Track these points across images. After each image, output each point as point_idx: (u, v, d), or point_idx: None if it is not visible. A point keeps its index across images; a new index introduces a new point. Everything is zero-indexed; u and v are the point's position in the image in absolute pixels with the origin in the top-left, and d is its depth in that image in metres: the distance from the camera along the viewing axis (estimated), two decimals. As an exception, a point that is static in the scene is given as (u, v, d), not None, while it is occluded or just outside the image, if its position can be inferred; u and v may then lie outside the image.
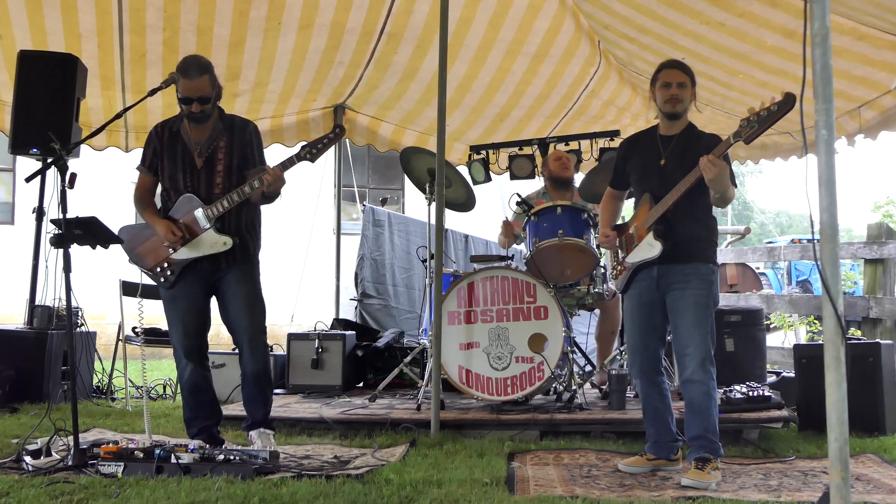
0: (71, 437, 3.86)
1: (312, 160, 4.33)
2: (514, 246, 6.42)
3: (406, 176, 6.27)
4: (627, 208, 4.66)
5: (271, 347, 7.05)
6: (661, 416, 4.08)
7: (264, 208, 4.57)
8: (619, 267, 4.18)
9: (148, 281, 4.49)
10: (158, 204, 4.54)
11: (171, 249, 4.35)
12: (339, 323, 7.47)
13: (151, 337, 6.84)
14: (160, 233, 4.33)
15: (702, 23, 5.51)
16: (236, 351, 4.58)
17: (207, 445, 4.01)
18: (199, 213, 4.31)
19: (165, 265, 4.38)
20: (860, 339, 5.63)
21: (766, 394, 4.88)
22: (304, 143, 4.36)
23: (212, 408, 4.56)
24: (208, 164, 4.37)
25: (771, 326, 10.09)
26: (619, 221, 4.36)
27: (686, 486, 3.65)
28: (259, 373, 4.45)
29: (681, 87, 3.95)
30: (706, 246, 4.02)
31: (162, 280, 4.41)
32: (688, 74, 3.98)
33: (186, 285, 4.40)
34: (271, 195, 4.35)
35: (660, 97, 4.00)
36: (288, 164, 4.26)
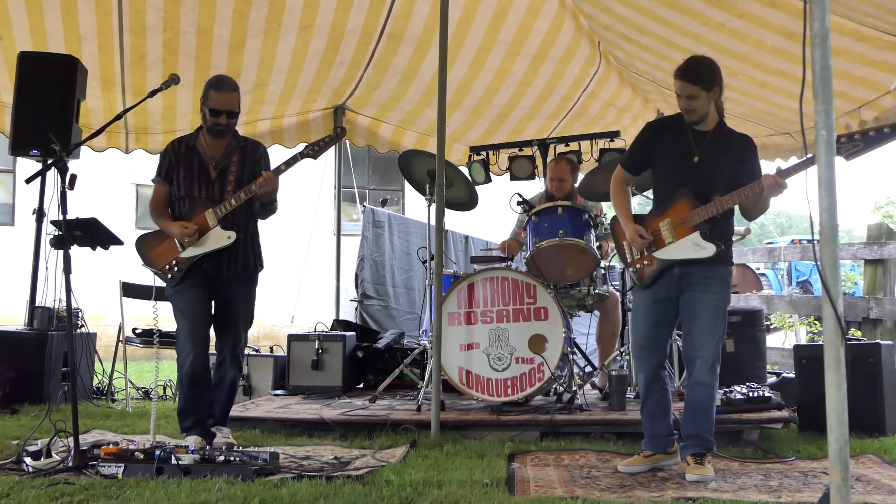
0: (71, 439, 3.87)
1: (314, 157, 4.60)
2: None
3: (406, 180, 6.26)
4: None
5: (271, 349, 7.11)
6: (662, 411, 4.09)
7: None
8: (645, 260, 4.06)
9: (161, 284, 4.66)
10: None
11: (180, 247, 4.53)
12: (339, 324, 7.47)
13: (146, 338, 6.83)
14: (175, 232, 4.52)
15: (702, 24, 5.51)
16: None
17: (207, 447, 4.03)
18: (208, 212, 4.51)
19: (174, 263, 4.56)
20: (860, 340, 5.63)
21: (767, 394, 4.88)
22: (305, 143, 4.50)
23: (208, 401, 4.64)
24: (221, 175, 4.60)
25: (771, 327, 10.08)
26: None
27: (692, 482, 3.71)
28: (235, 379, 4.76)
29: (689, 98, 3.88)
30: (727, 248, 4.01)
31: (169, 277, 4.59)
32: (697, 83, 3.86)
33: (192, 281, 4.58)
34: (267, 201, 4.60)
35: (678, 103, 3.97)
36: (291, 161, 4.53)
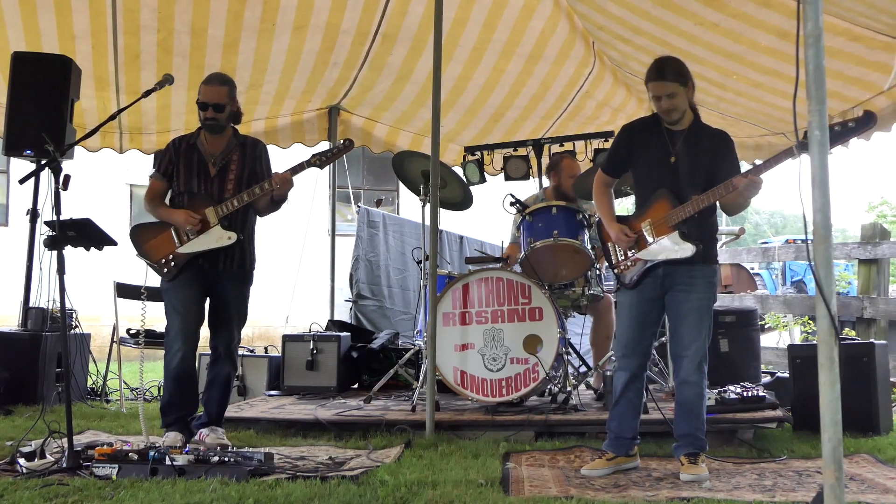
0: (65, 439, 3.86)
1: (321, 167, 4.69)
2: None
3: (400, 180, 6.26)
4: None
5: (266, 349, 7.10)
6: (632, 413, 4.10)
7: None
8: (628, 262, 4.09)
9: (150, 284, 4.68)
10: None
11: (178, 241, 4.56)
12: (333, 324, 7.46)
13: (149, 339, 6.82)
14: (180, 220, 4.55)
15: (696, 24, 5.51)
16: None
17: (188, 446, 4.06)
18: (209, 210, 4.54)
19: (170, 257, 4.58)
20: (854, 340, 5.64)
21: (761, 394, 4.89)
22: (300, 143, 4.52)
23: (192, 399, 4.70)
24: (221, 172, 4.64)
25: (765, 327, 10.08)
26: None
27: (687, 482, 3.72)
28: (229, 377, 4.78)
29: (670, 97, 3.90)
30: (711, 247, 4.04)
31: (165, 271, 4.60)
32: (675, 80, 3.90)
33: (188, 278, 4.60)
34: (279, 199, 4.63)
35: (654, 107, 3.97)
36: (298, 169, 4.58)
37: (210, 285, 4.65)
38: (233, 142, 4.71)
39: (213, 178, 4.62)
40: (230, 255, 4.63)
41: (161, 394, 7.21)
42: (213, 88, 4.61)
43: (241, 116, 4.80)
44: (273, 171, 4.67)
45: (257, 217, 4.82)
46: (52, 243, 3.99)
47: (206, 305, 4.73)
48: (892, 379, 5.53)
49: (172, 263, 4.57)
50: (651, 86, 3.95)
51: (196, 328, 4.62)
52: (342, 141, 4.86)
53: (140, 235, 4.69)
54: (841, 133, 3.47)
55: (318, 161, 4.62)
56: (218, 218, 4.53)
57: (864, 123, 3.49)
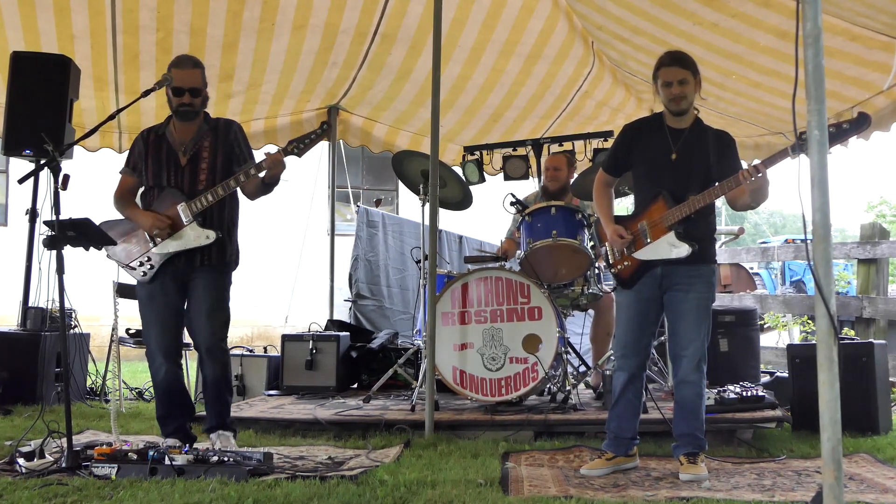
0: (64, 439, 3.86)
1: (299, 155, 4.37)
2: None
3: (399, 180, 6.26)
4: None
5: (265, 349, 7.09)
6: (632, 413, 4.10)
7: (258, 209, 4.61)
8: (626, 261, 4.09)
9: (124, 280, 4.49)
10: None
11: (152, 243, 4.38)
12: (333, 324, 7.47)
13: (139, 338, 6.83)
14: (146, 224, 4.36)
15: (695, 24, 5.52)
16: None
17: (187, 445, 4.04)
18: (181, 207, 4.34)
19: (146, 258, 4.41)
20: (853, 339, 5.65)
21: (760, 394, 4.89)
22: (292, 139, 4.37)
23: (185, 405, 4.61)
24: (193, 161, 4.42)
25: (765, 326, 10.09)
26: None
27: (686, 481, 3.73)
28: (217, 379, 4.51)
29: (682, 83, 3.90)
30: (709, 246, 4.05)
31: (142, 274, 4.42)
32: (687, 67, 3.92)
33: (164, 283, 4.43)
34: (271, 181, 4.38)
35: (663, 96, 3.96)
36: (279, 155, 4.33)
37: (186, 284, 4.44)
38: (203, 127, 4.46)
39: (184, 168, 4.38)
40: (207, 251, 4.39)
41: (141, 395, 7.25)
42: (189, 72, 4.36)
43: (208, 99, 4.53)
44: (266, 154, 4.34)
45: (239, 208, 4.58)
46: (51, 243, 3.98)
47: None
48: (891, 379, 5.54)
49: (148, 266, 4.39)
50: (663, 72, 3.94)
51: (175, 338, 4.48)
52: (320, 125, 4.57)
53: (109, 233, 4.43)
54: (836, 134, 3.50)
55: (295, 148, 4.33)
56: (192, 215, 4.31)
57: (859, 125, 3.54)
